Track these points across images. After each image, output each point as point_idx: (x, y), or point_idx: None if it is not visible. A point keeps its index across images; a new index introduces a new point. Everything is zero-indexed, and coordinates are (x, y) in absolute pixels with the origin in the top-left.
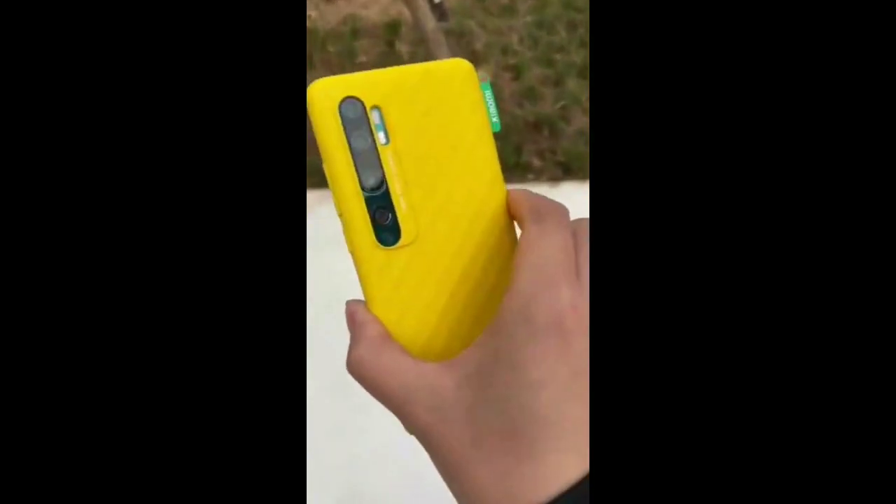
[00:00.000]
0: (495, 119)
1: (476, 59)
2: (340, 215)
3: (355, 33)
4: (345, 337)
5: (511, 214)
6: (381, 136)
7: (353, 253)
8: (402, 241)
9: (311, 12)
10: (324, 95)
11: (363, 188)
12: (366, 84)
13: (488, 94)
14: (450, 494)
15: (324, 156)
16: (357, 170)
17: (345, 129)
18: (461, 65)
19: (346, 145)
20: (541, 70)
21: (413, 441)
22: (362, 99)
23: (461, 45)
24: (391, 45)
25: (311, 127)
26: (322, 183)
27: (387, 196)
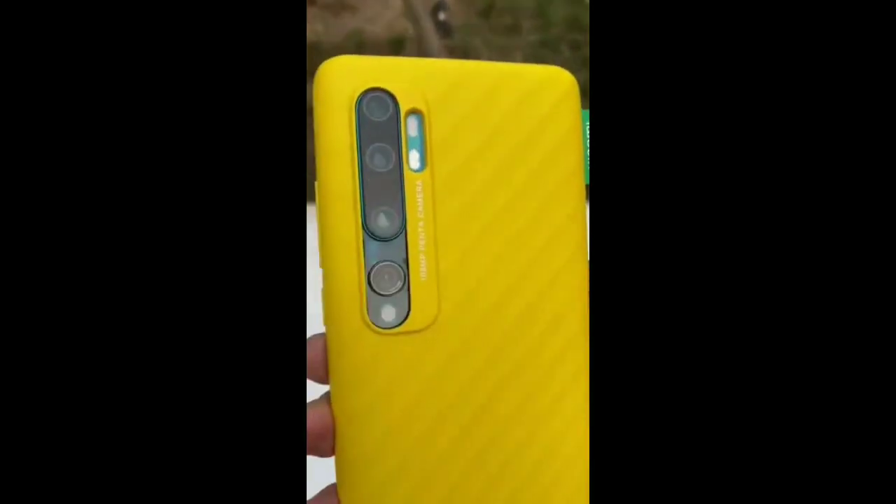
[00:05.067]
0: (588, 163)
1: None
2: (323, 265)
3: (360, 48)
4: None
5: None
6: (413, 157)
7: (328, 329)
8: (409, 324)
9: (318, 26)
10: (341, 80)
11: (367, 230)
12: (409, 74)
13: (587, 126)
14: None
15: (319, 168)
16: (364, 200)
17: (359, 135)
18: (560, 77)
19: (356, 160)
20: None
21: None
22: (396, 96)
23: None
24: None
25: (314, 124)
26: None
27: (401, 249)
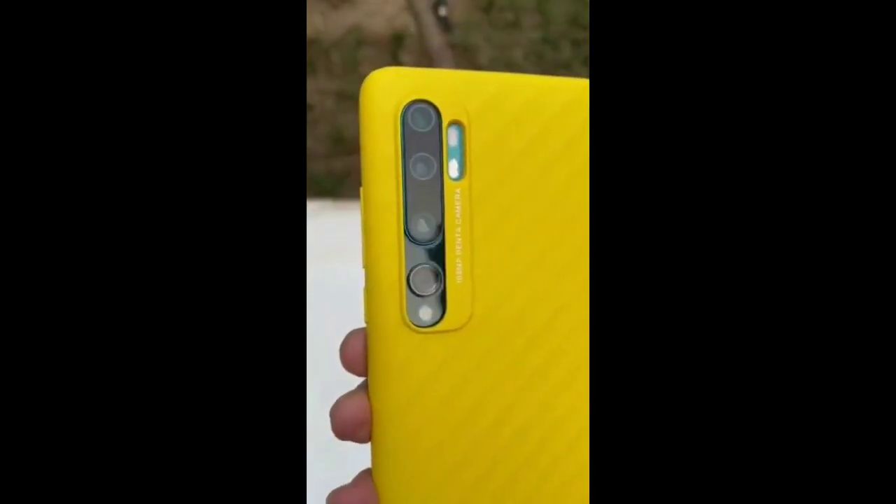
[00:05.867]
0: None
1: None
2: (365, 266)
3: (360, 43)
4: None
5: None
6: (453, 166)
7: (369, 326)
8: (444, 324)
9: (317, 20)
10: (385, 92)
11: (408, 235)
12: (450, 86)
13: None
14: None
15: (364, 175)
16: (406, 206)
17: (404, 145)
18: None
19: (400, 168)
20: None
21: None
22: (439, 107)
23: (466, 58)
24: (395, 56)
25: (360, 132)
26: (319, 192)
27: (439, 253)
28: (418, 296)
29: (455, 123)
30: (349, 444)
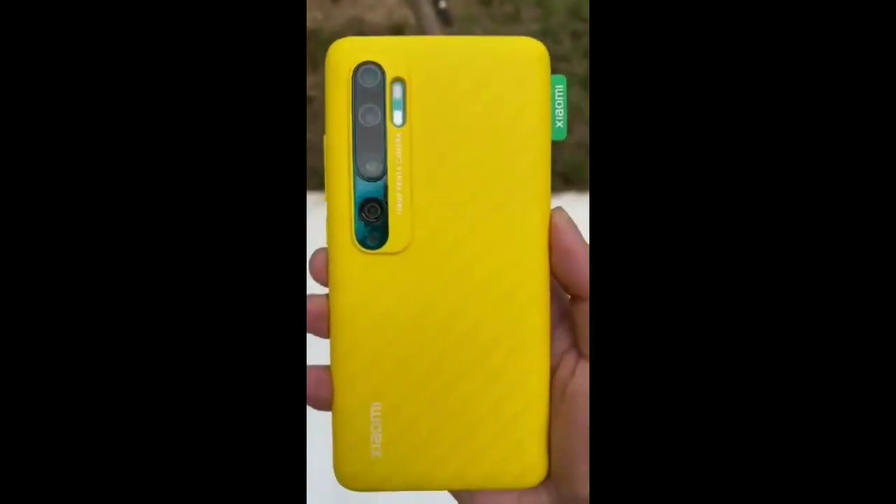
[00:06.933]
0: (560, 123)
1: None
2: (326, 198)
3: (360, 35)
4: None
5: (557, 263)
6: (396, 116)
7: (328, 247)
8: (386, 247)
9: (317, 14)
10: (341, 56)
11: (357, 173)
12: (396, 50)
13: (560, 89)
14: (441, 495)
15: (327, 125)
16: (355, 149)
17: (354, 98)
18: (532, 47)
19: (350, 118)
20: None
21: None
22: (384, 66)
23: None
24: None
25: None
26: (319, 185)
27: (383, 188)
28: (365, 224)
29: (398, 80)
30: None
